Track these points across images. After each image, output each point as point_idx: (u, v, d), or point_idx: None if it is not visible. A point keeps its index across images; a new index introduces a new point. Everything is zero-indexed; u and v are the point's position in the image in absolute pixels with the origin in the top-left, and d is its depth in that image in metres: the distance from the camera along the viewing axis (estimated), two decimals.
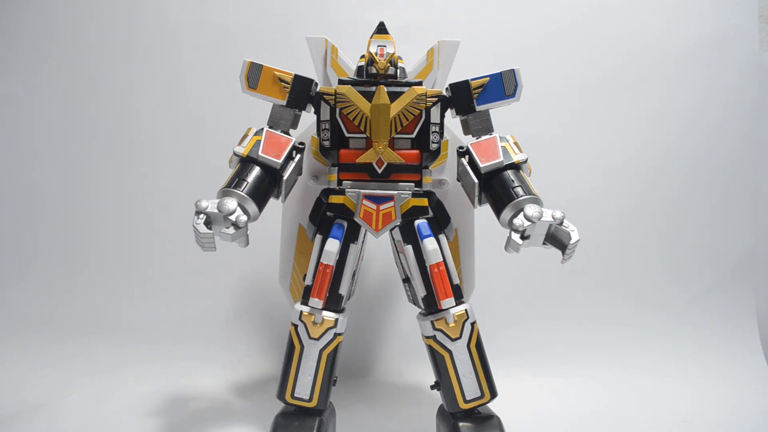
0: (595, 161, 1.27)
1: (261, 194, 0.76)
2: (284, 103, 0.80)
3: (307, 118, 0.84)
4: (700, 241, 1.29)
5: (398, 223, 0.79)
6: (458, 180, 0.83)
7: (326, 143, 0.80)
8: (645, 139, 1.28)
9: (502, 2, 1.27)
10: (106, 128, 1.30)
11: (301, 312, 0.79)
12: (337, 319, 0.79)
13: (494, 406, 0.81)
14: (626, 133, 1.28)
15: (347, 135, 0.79)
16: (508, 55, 1.22)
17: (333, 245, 0.78)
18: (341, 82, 0.80)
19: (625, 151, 1.28)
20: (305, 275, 0.81)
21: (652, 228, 1.29)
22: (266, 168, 0.77)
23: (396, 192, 0.78)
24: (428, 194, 0.80)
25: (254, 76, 0.80)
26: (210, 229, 0.70)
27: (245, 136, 0.80)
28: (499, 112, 0.82)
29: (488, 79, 0.80)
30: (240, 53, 0.86)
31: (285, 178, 0.78)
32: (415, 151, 0.79)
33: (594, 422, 0.92)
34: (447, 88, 0.81)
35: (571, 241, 0.71)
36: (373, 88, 0.77)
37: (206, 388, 1.04)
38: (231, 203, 0.71)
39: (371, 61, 0.79)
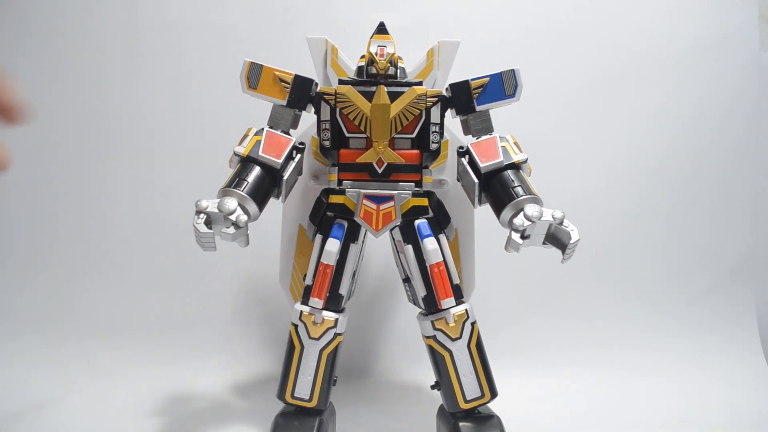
0: (595, 161, 1.28)
1: (261, 194, 0.76)
2: (284, 103, 0.80)
3: (307, 118, 0.84)
4: (700, 241, 1.29)
5: (398, 223, 0.79)
6: (458, 180, 0.83)
7: (326, 143, 0.80)
8: (645, 139, 1.28)
9: (502, 2, 1.27)
10: (104, 128, 1.30)
11: (302, 312, 0.79)
12: (337, 319, 0.79)
13: (494, 406, 0.81)
14: (626, 133, 1.28)
15: (347, 135, 0.79)
16: (508, 55, 1.22)
17: (333, 245, 0.78)
18: (341, 82, 0.80)
19: (625, 151, 1.28)
20: (305, 275, 0.81)
21: (652, 228, 1.29)
22: (266, 168, 0.77)
23: (396, 192, 0.78)
24: (428, 194, 0.80)
25: (254, 76, 0.80)
26: (210, 228, 0.70)
27: (245, 136, 0.80)
28: (499, 112, 0.82)
29: (488, 79, 0.80)
30: (240, 53, 0.86)
31: (285, 178, 0.78)
32: (415, 151, 0.79)
33: (594, 422, 0.92)
34: (447, 88, 0.81)
35: (571, 241, 0.71)
36: (373, 88, 0.77)
37: (206, 388, 1.04)
38: (231, 203, 0.71)
39: (371, 61, 0.79)
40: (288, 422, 0.77)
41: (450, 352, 0.78)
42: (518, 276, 1.24)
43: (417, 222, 0.79)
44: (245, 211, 0.72)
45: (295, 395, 0.78)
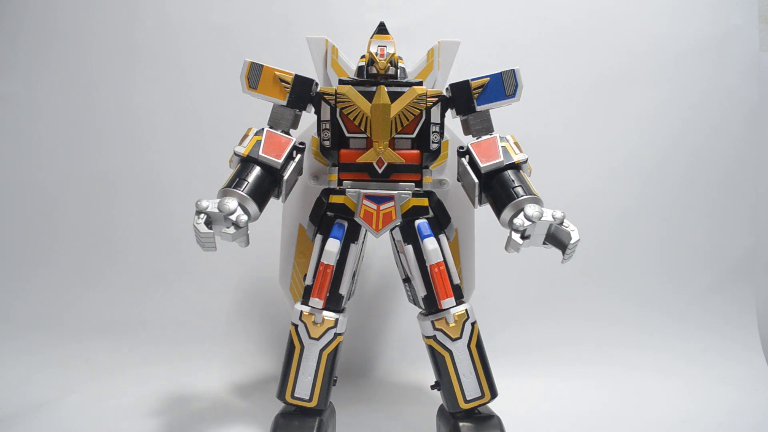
0: (596, 161, 1.28)
1: (261, 194, 0.76)
2: (285, 103, 0.80)
3: (308, 118, 0.84)
4: (700, 241, 1.29)
5: (398, 223, 0.79)
6: (458, 180, 0.83)
7: (326, 143, 0.80)
8: (645, 139, 1.28)
9: (502, 2, 1.27)
10: (106, 128, 1.30)
11: (302, 312, 0.79)
12: (337, 319, 0.79)
13: (494, 406, 0.81)
14: (626, 132, 1.28)
15: (348, 135, 0.79)
16: (508, 55, 1.23)
17: (333, 245, 0.78)
18: (341, 82, 0.80)
19: (625, 150, 1.28)
20: (305, 275, 0.81)
21: (653, 228, 1.29)
22: (267, 168, 0.77)
23: (396, 192, 0.78)
24: (428, 194, 0.80)
25: (255, 76, 0.80)
26: (210, 228, 0.70)
27: (245, 136, 0.80)
28: (499, 112, 0.82)
29: (488, 79, 0.80)
30: (240, 53, 0.86)
31: (285, 178, 0.78)
32: (416, 151, 0.79)
33: (594, 422, 0.92)
34: (447, 88, 0.81)
35: (571, 241, 0.71)
36: (374, 88, 0.77)
37: (206, 388, 1.04)
38: (231, 203, 0.71)
39: (371, 61, 0.79)
40: (288, 422, 0.77)
41: (450, 352, 0.78)
42: (518, 276, 1.24)
43: (417, 222, 0.79)
44: (245, 211, 0.72)
45: (295, 395, 0.78)
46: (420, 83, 0.79)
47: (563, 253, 0.72)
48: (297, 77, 0.80)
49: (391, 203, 0.78)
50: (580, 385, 1.06)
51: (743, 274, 1.28)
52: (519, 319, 1.23)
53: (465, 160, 0.80)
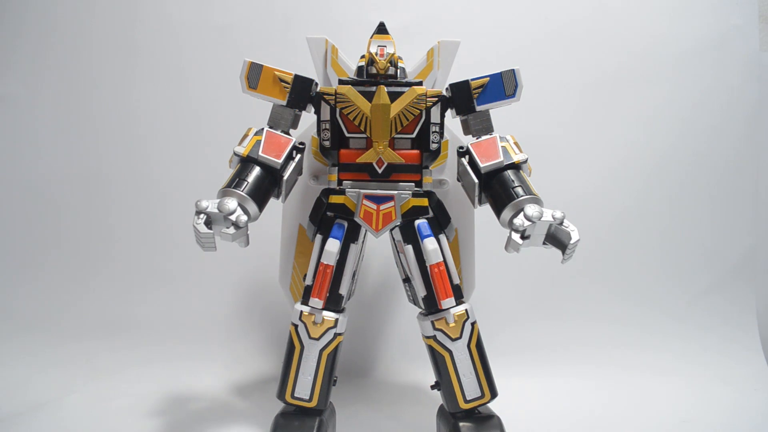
0: (595, 161, 1.28)
1: (261, 194, 0.76)
2: (284, 103, 0.80)
3: (307, 118, 0.84)
4: (700, 241, 1.29)
5: (398, 223, 0.79)
6: (458, 180, 0.84)
7: (326, 143, 0.80)
8: (645, 139, 1.28)
9: (502, 2, 1.27)
10: (106, 129, 1.30)
11: (302, 312, 0.79)
12: (337, 319, 0.79)
13: (494, 406, 0.81)
14: (626, 133, 1.28)
15: (347, 135, 0.79)
16: (508, 55, 1.22)
17: (333, 245, 0.78)
18: (341, 82, 0.80)
19: (625, 151, 1.28)
20: (305, 275, 0.81)
21: (652, 228, 1.29)
22: (266, 168, 0.77)
23: (396, 192, 0.78)
24: (428, 194, 0.80)
25: (254, 76, 0.80)
26: (210, 229, 0.70)
27: (245, 136, 0.80)
28: (499, 112, 0.82)
29: (488, 79, 0.80)
30: (240, 53, 0.86)
31: (285, 178, 0.78)
32: (416, 151, 0.79)
33: (594, 422, 0.92)
34: (447, 88, 0.81)
35: (571, 241, 0.71)
36: (374, 88, 0.77)
37: (206, 388, 1.04)
38: (231, 203, 0.71)
39: (371, 61, 0.79)
40: (288, 422, 0.77)
41: (450, 352, 0.78)
42: (518, 276, 1.24)
43: (417, 222, 0.79)
44: (245, 211, 0.72)
45: (295, 395, 0.78)
46: (420, 83, 0.79)
47: (563, 253, 0.72)
48: (297, 77, 0.80)
49: (391, 203, 0.78)
50: (580, 385, 1.06)
51: (743, 274, 1.28)
52: (519, 319, 1.23)
53: (465, 160, 0.80)
